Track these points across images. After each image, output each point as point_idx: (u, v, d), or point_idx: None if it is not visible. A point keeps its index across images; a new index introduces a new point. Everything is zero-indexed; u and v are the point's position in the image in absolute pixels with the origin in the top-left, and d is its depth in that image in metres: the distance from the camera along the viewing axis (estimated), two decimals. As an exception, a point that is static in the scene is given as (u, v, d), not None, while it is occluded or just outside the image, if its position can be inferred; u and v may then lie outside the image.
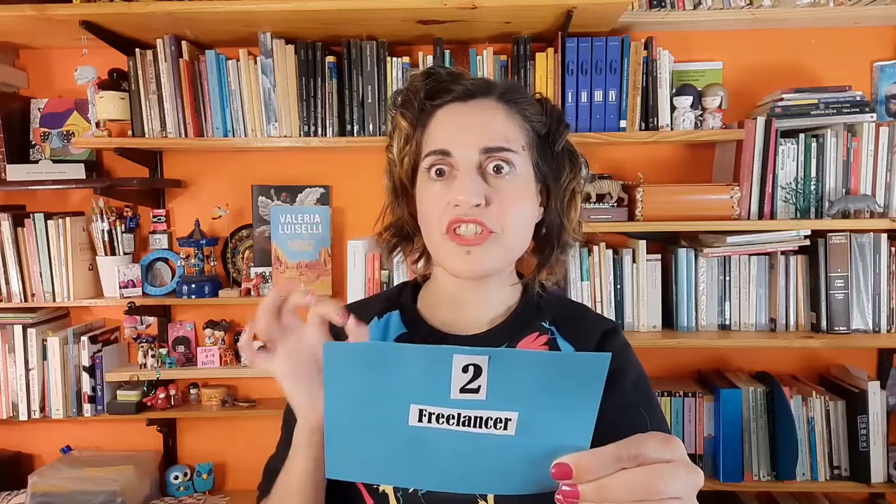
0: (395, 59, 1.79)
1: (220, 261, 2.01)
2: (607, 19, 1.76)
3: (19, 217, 1.86)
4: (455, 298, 0.81)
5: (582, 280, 1.80)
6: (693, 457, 1.77)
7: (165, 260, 1.96)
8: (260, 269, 1.92)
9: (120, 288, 1.87)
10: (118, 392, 1.91)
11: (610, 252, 1.80)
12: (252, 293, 1.90)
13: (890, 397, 1.78)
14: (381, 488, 0.74)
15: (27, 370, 1.89)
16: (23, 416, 1.88)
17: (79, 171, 1.89)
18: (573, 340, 0.79)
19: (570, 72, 1.76)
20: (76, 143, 1.88)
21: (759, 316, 1.80)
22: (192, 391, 1.98)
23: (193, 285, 1.86)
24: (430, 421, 0.50)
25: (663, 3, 1.79)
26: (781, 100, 1.76)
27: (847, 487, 1.76)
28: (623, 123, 1.78)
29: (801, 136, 1.76)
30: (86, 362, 1.88)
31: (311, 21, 1.71)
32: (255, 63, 1.79)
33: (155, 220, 1.98)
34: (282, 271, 1.90)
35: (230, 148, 1.93)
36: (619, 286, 1.81)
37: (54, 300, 1.86)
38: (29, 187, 1.91)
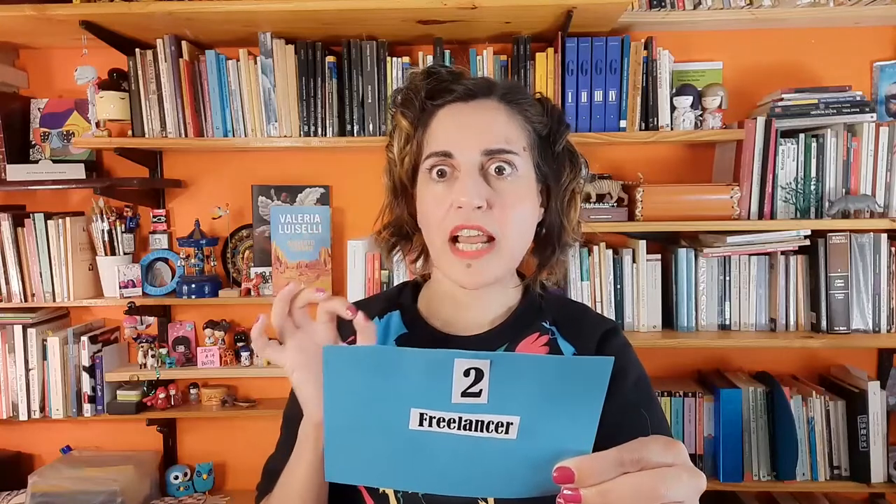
0: (395, 59, 1.79)
1: (220, 261, 2.01)
2: (607, 19, 1.76)
3: (19, 217, 1.86)
4: (455, 299, 0.81)
5: (582, 280, 1.80)
6: (693, 457, 1.77)
7: (165, 260, 1.96)
8: (260, 269, 1.92)
9: (120, 288, 1.87)
10: (118, 392, 1.91)
11: (610, 252, 1.80)
12: (252, 293, 1.90)
13: (890, 397, 1.78)
14: (381, 490, 0.74)
15: (27, 370, 1.89)
16: (23, 416, 1.89)
17: (79, 171, 1.89)
18: (573, 340, 0.79)
19: (570, 72, 1.76)
20: (76, 143, 1.88)
21: (759, 316, 1.80)
22: (192, 391, 1.98)
23: (193, 285, 1.86)
24: (430, 425, 0.50)
25: (663, 3, 1.79)
26: (781, 100, 1.76)
27: (847, 487, 1.76)
28: (623, 123, 1.78)
29: (801, 136, 1.76)
30: (86, 362, 1.88)
31: (311, 21, 1.71)
32: (255, 63, 1.79)
33: (155, 220, 1.98)
34: (282, 271, 1.90)
35: (230, 148, 1.93)
36: (619, 286, 1.81)
37: (54, 300, 1.86)
38: (29, 187, 1.91)
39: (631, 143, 1.88)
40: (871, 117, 1.74)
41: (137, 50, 1.80)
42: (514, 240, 0.74)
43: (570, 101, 1.77)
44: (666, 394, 1.80)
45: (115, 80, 1.85)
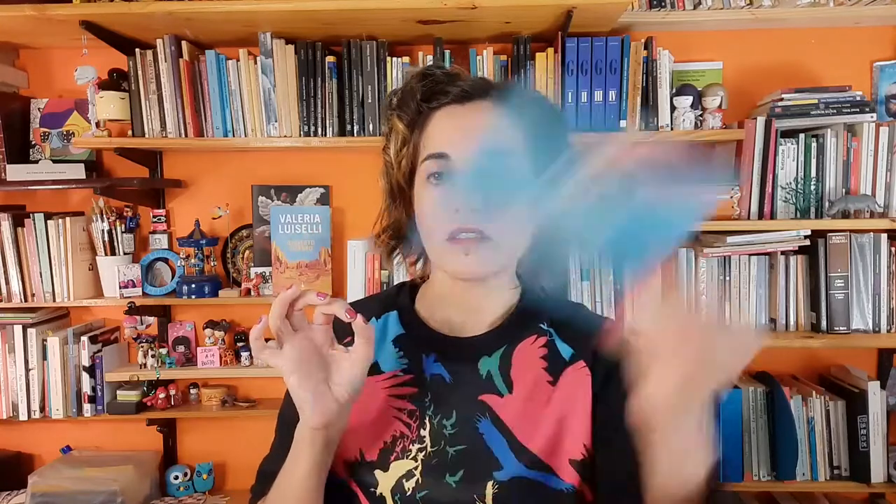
0: (395, 59, 1.79)
1: (220, 261, 2.01)
2: (607, 19, 1.76)
3: (19, 217, 1.86)
4: (454, 300, 0.81)
5: (582, 280, 1.80)
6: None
7: (165, 260, 1.96)
8: (260, 269, 1.92)
9: (120, 288, 1.87)
10: (118, 392, 1.91)
11: (610, 252, 1.80)
12: (252, 293, 1.89)
13: (890, 397, 1.78)
14: (378, 491, 0.74)
15: (27, 370, 1.89)
16: (23, 416, 1.89)
17: (79, 171, 1.89)
18: (571, 341, 0.79)
19: (570, 72, 1.76)
20: (76, 143, 1.88)
21: (759, 316, 1.80)
22: (192, 391, 1.98)
23: (193, 285, 1.86)
24: None
25: (663, 3, 1.79)
26: (781, 100, 1.76)
27: (847, 487, 1.76)
28: (623, 123, 1.78)
29: (801, 136, 1.76)
30: (86, 362, 1.87)
31: (311, 21, 1.71)
32: (255, 63, 1.79)
33: (155, 220, 1.98)
34: (282, 271, 1.90)
35: (230, 148, 1.93)
36: (619, 286, 1.80)
37: (54, 300, 1.86)
38: (29, 187, 1.91)
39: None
40: (871, 117, 1.74)
41: (137, 50, 1.80)
42: (511, 240, 0.74)
43: (570, 101, 1.77)
44: (666, 394, 1.80)
45: (115, 80, 1.85)
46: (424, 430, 0.75)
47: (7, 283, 1.85)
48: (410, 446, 0.75)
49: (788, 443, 1.71)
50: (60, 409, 1.89)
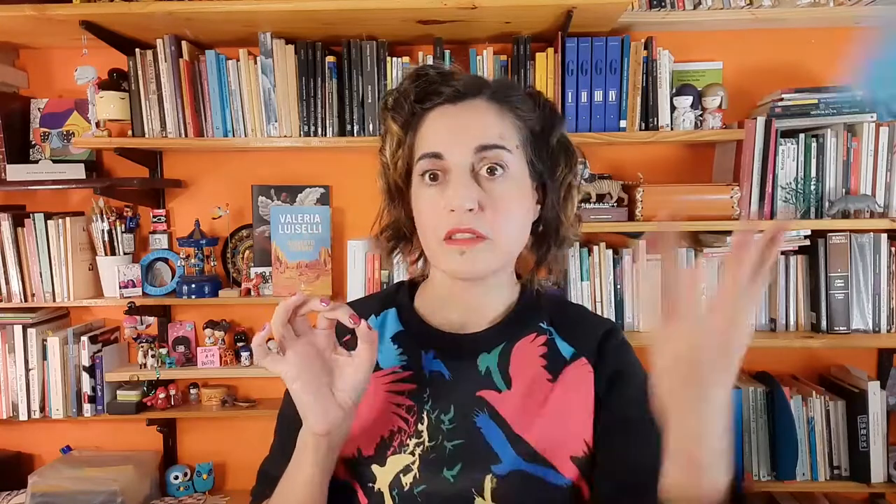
0: (395, 59, 1.79)
1: (220, 261, 2.01)
2: (607, 19, 1.76)
3: (19, 217, 1.86)
4: (453, 299, 0.81)
5: (582, 280, 1.80)
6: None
7: (165, 260, 1.96)
8: (260, 269, 1.92)
9: (120, 288, 1.87)
10: (118, 392, 1.91)
11: (610, 252, 1.80)
12: (252, 293, 1.90)
13: (890, 397, 1.78)
14: (376, 487, 0.74)
15: (27, 370, 1.89)
16: (23, 416, 1.88)
17: (79, 171, 1.89)
18: (572, 341, 0.79)
19: (570, 72, 1.76)
20: (76, 143, 1.88)
21: (759, 316, 1.80)
22: (192, 391, 1.98)
23: (193, 285, 1.86)
24: None
25: (663, 3, 1.79)
26: (781, 100, 1.76)
27: (847, 487, 1.76)
28: (623, 123, 1.78)
29: (801, 136, 1.76)
30: (86, 362, 1.87)
31: (311, 21, 1.71)
32: (255, 63, 1.79)
33: (155, 220, 1.98)
34: (282, 271, 1.90)
35: (230, 148, 1.93)
36: (619, 286, 1.81)
37: (54, 300, 1.86)
38: (29, 187, 1.91)
39: (631, 143, 1.88)
40: (871, 117, 1.74)
41: (137, 50, 1.80)
42: (507, 239, 0.74)
43: (570, 101, 1.77)
44: (666, 394, 1.80)
45: (115, 80, 1.85)
46: (422, 424, 0.75)
47: (7, 283, 1.85)
48: (408, 441, 0.75)
49: (788, 443, 1.71)
50: (60, 409, 1.89)
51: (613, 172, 1.89)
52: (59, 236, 1.85)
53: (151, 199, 1.99)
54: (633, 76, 1.77)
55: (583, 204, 1.78)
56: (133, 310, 1.86)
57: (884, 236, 1.76)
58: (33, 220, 1.85)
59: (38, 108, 1.98)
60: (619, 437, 0.73)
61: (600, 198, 1.80)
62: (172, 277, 1.94)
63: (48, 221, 1.85)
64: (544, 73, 1.78)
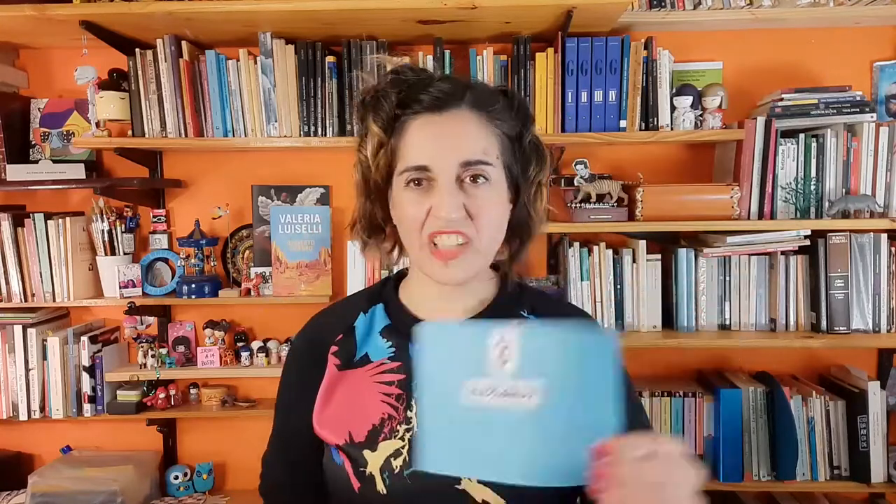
0: (395, 59, 1.79)
1: (220, 261, 2.01)
2: (607, 19, 1.76)
3: (19, 217, 1.86)
4: (435, 291, 0.84)
5: (582, 280, 1.80)
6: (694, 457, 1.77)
7: (165, 260, 1.96)
8: (260, 269, 1.92)
9: (120, 288, 1.87)
10: (118, 392, 1.91)
11: (610, 252, 1.80)
12: (252, 293, 1.90)
13: (890, 397, 1.78)
14: (367, 471, 0.77)
15: (27, 370, 1.89)
16: (23, 416, 1.89)
17: (79, 171, 1.89)
18: None
19: (570, 72, 1.76)
20: (76, 143, 1.88)
21: (759, 316, 1.80)
22: (192, 391, 1.98)
23: (193, 285, 1.86)
24: (477, 394, 0.57)
25: (663, 3, 1.79)
26: (781, 100, 1.76)
27: (847, 487, 1.76)
28: (623, 123, 1.78)
29: (801, 136, 1.76)
30: (86, 362, 1.87)
31: (311, 21, 1.71)
32: (255, 63, 1.79)
33: (155, 220, 1.98)
34: (282, 271, 1.90)
35: (230, 148, 1.93)
36: (619, 286, 1.81)
37: (54, 300, 1.86)
38: (29, 187, 1.91)
39: (631, 143, 1.88)
40: (871, 117, 1.74)
41: (137, 50, 1.80)
42: (488, 239, 0.78)
43: (570, 101, 1.77)
44: (666, 394, 1.80)
45: (115, 80, 1.85)
46: (411, 411, 0.78)
47: (7, 283, 1.85)
48: (398, 427, 0.78)
49: (788, 443, 1.71)
50: (60, 409, 1.89)
51: (613, 172, 1.89)
52: (59, 236, 1.85)
53: (151, 199, 1.99)
54: (633, 76, 1.77)
55: (583, 204, 1.78)
56: (133, 310, 1.86)
57: (884, 236, 1.76)
58: (33, 220, 1.85)
59: (38, 108, 1.98)
60: None
61: (600, 198, 1.80)
62: (172, 277, 1.94)
63: (48, 221, 1.85)
64: (544, 73, 1.78)
